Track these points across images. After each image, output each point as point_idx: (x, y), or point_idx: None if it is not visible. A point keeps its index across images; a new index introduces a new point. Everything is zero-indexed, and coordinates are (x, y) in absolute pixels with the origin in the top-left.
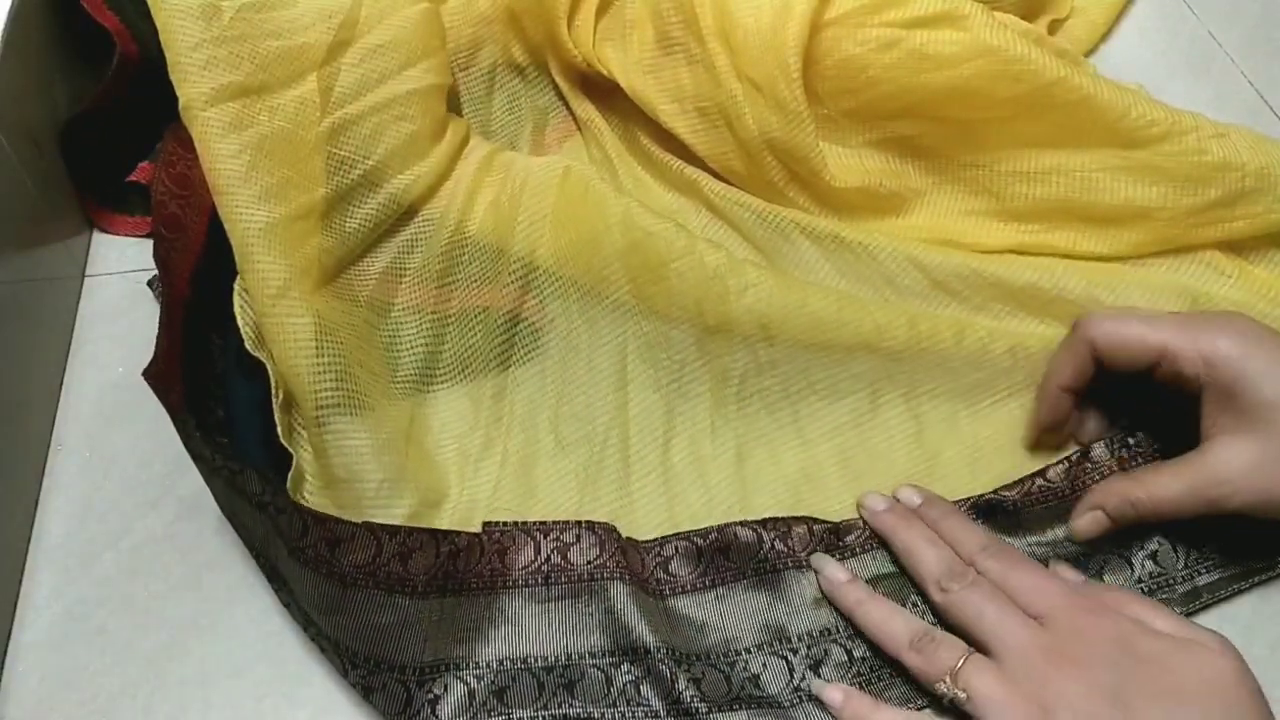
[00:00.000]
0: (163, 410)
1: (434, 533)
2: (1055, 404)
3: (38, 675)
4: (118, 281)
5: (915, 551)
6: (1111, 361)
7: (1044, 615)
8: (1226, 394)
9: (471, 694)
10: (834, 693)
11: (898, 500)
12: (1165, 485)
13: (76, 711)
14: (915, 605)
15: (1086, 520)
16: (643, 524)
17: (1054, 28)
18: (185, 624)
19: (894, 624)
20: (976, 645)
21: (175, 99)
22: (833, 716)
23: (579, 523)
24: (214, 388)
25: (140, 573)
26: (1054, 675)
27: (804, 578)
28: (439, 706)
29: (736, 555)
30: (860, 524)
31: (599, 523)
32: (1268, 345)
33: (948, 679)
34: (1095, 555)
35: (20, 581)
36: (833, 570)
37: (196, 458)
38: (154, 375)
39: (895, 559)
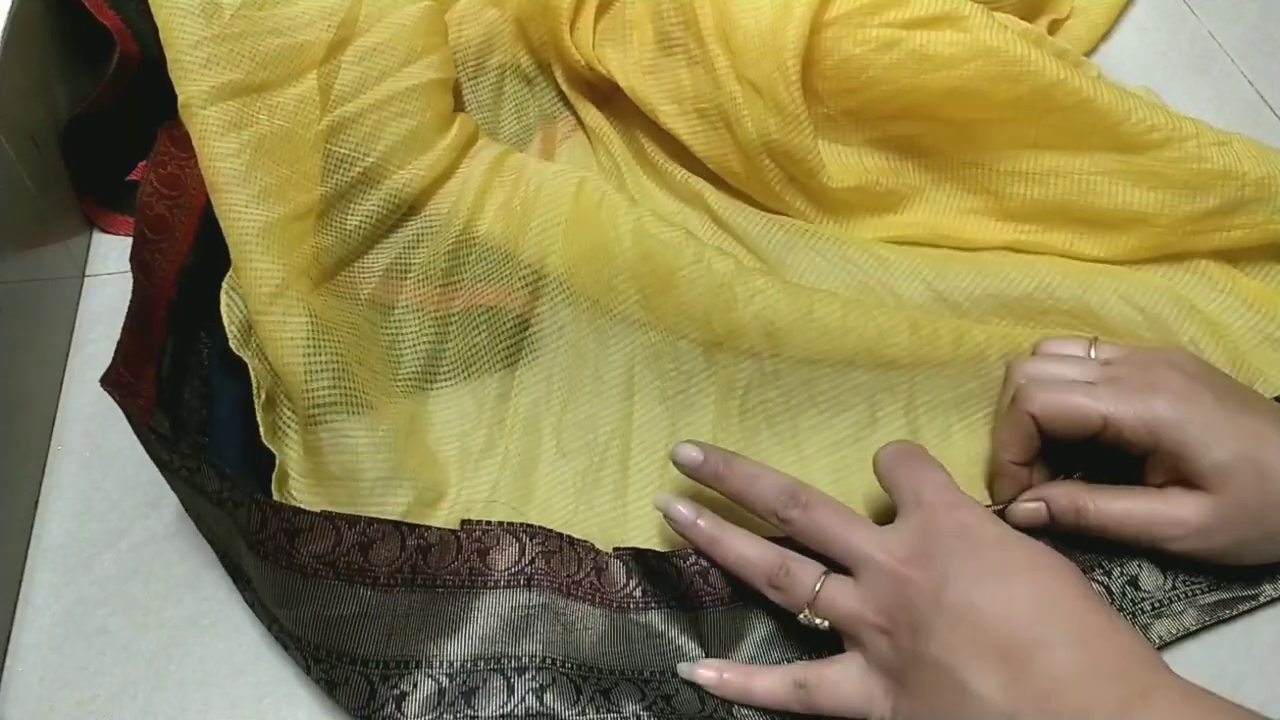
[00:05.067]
0: None
1: (398, 525)
2: (1015, 478)
3: (38, 675)
4: (118, 281)
5: (745, 492)
6: (1054, 433)
7: (884, 532)
8: (1172, 457)
9: (441, 692)
10: (706, 671)
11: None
12: (1118, 506)
13: (76, 711)
14: None
15: (1027, 509)
16: (634, 536)
17: (1054, 28)
18: (185, 624)
19: (750, 557)
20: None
21: (176, 98)
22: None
23: (560, 535)
24: (198, 386)
25: (140, 573)
26: (917, 578)
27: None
28: (405, 703)
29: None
30: None
31: (579, 540)
32: (1205, 402)
33: (806, 611)
34: None
35: (20, 581)
36: (679, 510)
37: (156, 462)
38: (113, 381)
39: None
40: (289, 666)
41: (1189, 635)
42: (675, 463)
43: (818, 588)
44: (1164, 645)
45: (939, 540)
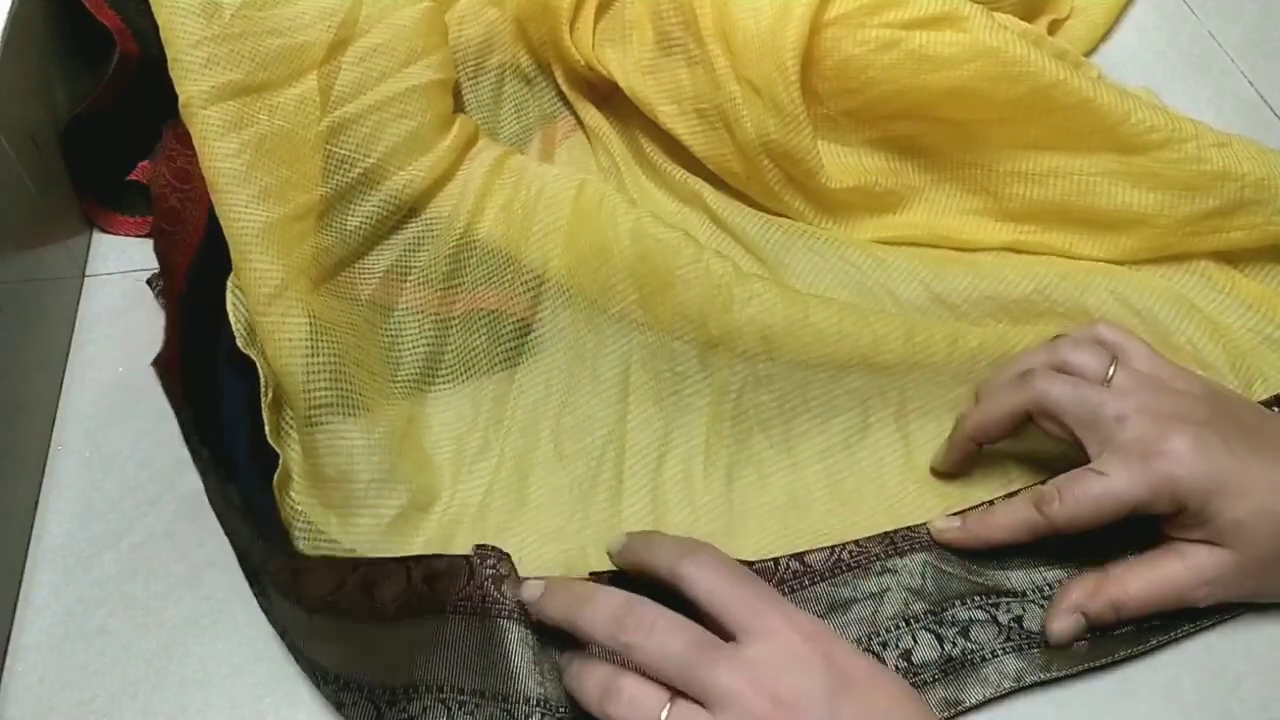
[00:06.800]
0: (162, 409)
1: (403, 561)
2: (968, 455)
3: (38, 675)
4: (118, 281)
5: (579, 620)
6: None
7: None
8: (1194, 517)
9: (450, 718)
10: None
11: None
12: (1149, 588)
13: (76, 711)
14: (917, 619)
15: (1067, 624)
16: None
17: (1054, 28)
18: (185, 624)
19: (575, 671)
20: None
21: (176, 98)
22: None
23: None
24: (209, 383)
25: (140, 573)
26: None
27: None
28: None
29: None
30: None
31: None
32: (1217, 456)
33: None
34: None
35: (20, 581)
36: (529, 591)
37: (194, 454)
38: (164, 364)
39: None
40: (289, 666)
41: (1188, 635)
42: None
43: (664, 716)
44: (1161, 647)
45: (810, 674)
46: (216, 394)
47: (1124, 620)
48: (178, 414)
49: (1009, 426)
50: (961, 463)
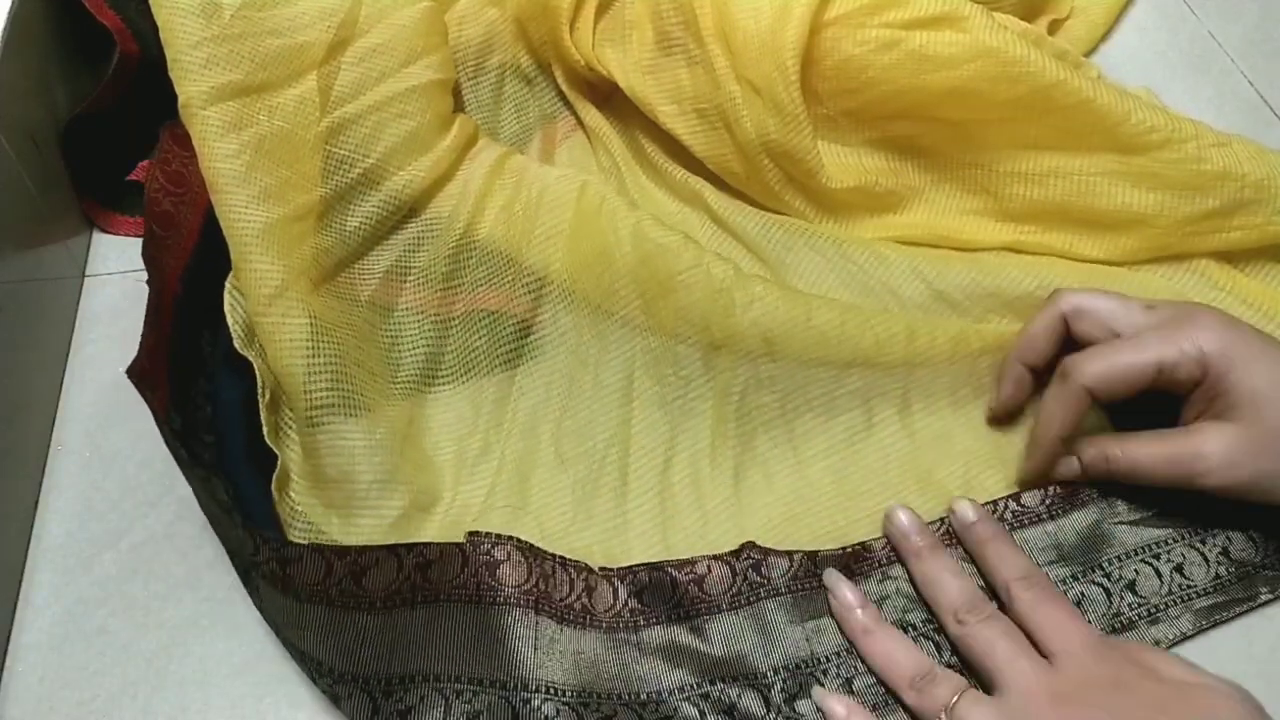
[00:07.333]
0: None
1: (394, 548)
2: (1053, 452)
3: (38, 675)
4: (118, 281)
5: (938, 581)
6: (1112, 397)
7: (1056, 655)
8: (1214, 387)
9: (448, 708)
10: (837, 705)
11: (949, 516)
12: (1145, 448)
13: (76, 711)
14: (914, 628)
15: (1060, 463)
16: (635, 545)
17: (1054, 28)
18: (185, 624)
19: (897, 657)
20: (986, 680)
21: (176, 98)
22: None
23: (553, 556)
24: (203, 384)
25: (140, 573)
26: (1051, 718)
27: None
28: (410, 718)
29: (712, 587)
30: (840, 551)
31: (571, 561)
32: (1245, 333)
33: (943, 716)
34: (1072, 585)
35: (20, 581)
36: (844, 592)
37: (177, 458)
38: (138, 373)
39: (913, 582)
40: (289, 666)
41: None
42: (956, 514)
43: (955, 700)
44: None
45: (1095, 692)
46: (212, 395)
47: (1113, 475)
48: (157, 420)
49: (1052, 339)
50: (1015, 393)
